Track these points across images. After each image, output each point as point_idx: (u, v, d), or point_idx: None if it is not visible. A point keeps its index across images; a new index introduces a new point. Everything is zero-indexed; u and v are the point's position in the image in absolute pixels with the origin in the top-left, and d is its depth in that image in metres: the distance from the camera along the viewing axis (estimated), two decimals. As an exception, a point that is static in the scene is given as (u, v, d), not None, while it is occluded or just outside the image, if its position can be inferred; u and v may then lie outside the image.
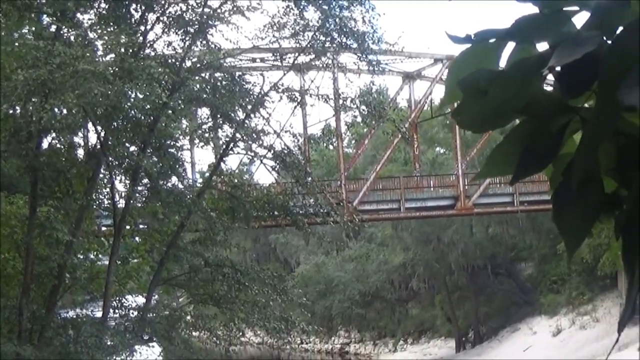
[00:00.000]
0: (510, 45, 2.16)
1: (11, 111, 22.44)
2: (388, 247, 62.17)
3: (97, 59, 21.45)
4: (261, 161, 26.68)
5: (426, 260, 59.88)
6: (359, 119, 60.13)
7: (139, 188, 24.06)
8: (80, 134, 25.40)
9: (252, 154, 25.61)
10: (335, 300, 59.13)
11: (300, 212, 25.90)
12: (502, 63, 2.17)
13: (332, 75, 38.87)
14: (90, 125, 23.94)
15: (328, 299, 58.88)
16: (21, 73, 20.01)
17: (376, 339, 68.24)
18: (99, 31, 22.42)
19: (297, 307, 28.05)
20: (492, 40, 2.14)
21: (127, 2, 22.65)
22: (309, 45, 25.43)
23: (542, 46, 2.11)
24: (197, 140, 26.25)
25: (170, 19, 23.06)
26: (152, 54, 23.04)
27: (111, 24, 22.37)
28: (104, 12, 22.69)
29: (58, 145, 24.50)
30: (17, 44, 23.77)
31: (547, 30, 2.04)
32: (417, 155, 53.27)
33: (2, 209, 23.85)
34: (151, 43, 23.30)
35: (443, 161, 62.18)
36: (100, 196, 25.16)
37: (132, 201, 24.12)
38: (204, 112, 25.84)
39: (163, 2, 22.97)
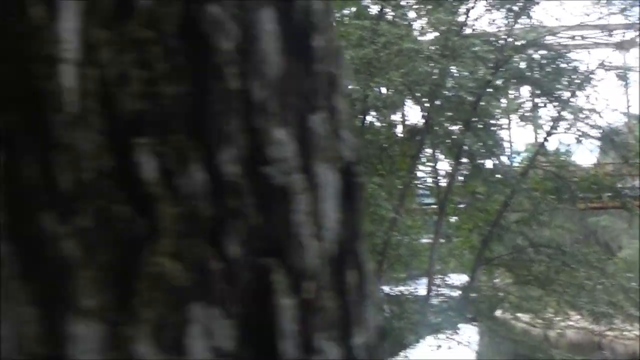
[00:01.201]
0: None
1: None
2: None
3: (418, 38, 21.52)
4: (579, 140, 25.89)
5: None
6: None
7: (459, 167, 23.88)
8: (398, 113, 25.52)
9: (579, 133, 24.79)
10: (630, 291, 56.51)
11: (630, 194, 24.84)
12: None
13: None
14: (409, 103, 24.05)
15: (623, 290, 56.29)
16: (347, 52, 20.34)
17: None
18: (420, 11, 22.39)
19: (620, 293, 26.92)
20: None
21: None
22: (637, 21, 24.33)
23: None
24: (516, 119, 25.59)
25: (494, -4, 22.70)
26: (474, 32, 22.76)
27: (431, 3, 22.33)
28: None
29: (378, 124, 24.80)
30: (340, 24, 24.21)
31: None
32: None
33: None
34: (473, 21, 23.02)
35: None
36: (422, 174, 25.31)
37: (454, 180, 24.05)
38: (523, 90, 25.14)
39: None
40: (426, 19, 21.80)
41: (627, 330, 32.07)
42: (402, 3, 22.73)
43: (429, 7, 22.14)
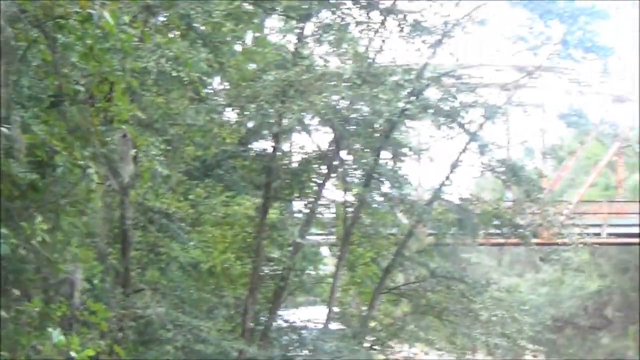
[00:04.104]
0: None
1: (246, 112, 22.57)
2: (584, 273, 60.64)
3: (342, 63, 21.48)
4: (481, 172, 26.24)
5: (622, 289, 58.31)
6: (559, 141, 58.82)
7: (369, 194, 23.78)
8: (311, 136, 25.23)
9: (483, 166, 25.04)
10: (526, 324, 57.92)
11: (528, 229, 25.15)
12: None
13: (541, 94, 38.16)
14: (322, 127, 23.87)
15: (518, 322, 57.71)
16: (271, 74, 20.15)
17: (564, 366, 66.57)
18: (338, 35, 22.26)
19: (513, 325, 27.09)
20: None
21: (368, 8, 22.51)
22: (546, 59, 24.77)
23: None
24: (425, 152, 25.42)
25: (410, 26, 22.75)
26: (392, 60, 22.84)
27: (350, 27, 22.41)
28: (342, 16, 22.50)
29: (290, 148, 24.62)
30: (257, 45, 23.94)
31: None
32: (621, 181, 51.98)
33: (231, 210, 24.19)
34: (390, 50, 23.09)
35: (647, 187, 60.41)
36: (329, 201, 25.25)
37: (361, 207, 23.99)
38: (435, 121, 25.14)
39: (404, 9, 22.69)
40: (347, 43, 21.71)
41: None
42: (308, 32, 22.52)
43: (345, 34, 22.13)
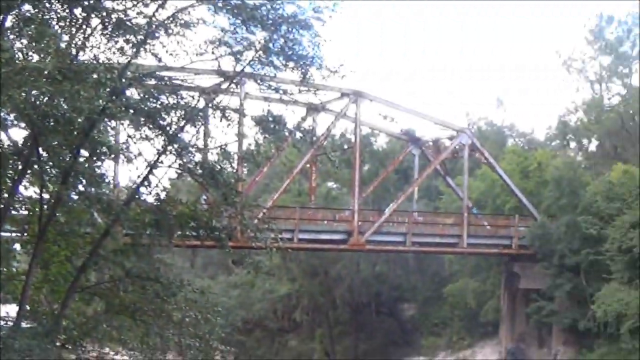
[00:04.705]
0: None
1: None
2: (275, 277, 62.28)
3: (43, 58, 21.10)
4: (181, 175, 26.54)
5: (311, 293, 60.28)
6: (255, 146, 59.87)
7: (66, 192, 23.49)
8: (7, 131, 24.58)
9: (182, 168, 25.36)
10: (217, 325, 58.73)
11: (224, 232, 25.71)
12: None
13: (240, 99, 39.02)
14: (20, 122, 23.37)
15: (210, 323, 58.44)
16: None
17: (252, 367, 67.98)
18: (39, 30, 21.90)
19: (206, 326, 27.57)
20: None
21: (71, 4, 22.31)
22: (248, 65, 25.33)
23: None
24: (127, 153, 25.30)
25: (113, 25, 22.74)
26: (94, 58, 22.68)
27: (52, 22, 22.14)
28: (45, 10, 22.21)
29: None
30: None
31: None
32: (314, 188, 53.79)
33: None
34: (92, 47, 22.92)
35: (337, 196, 62.84)
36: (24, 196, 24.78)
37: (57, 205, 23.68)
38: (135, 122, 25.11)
39: (108, 7, 22.66)
40: (47, 38, 21.32)
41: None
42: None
43: (46, 29, 21.78)
